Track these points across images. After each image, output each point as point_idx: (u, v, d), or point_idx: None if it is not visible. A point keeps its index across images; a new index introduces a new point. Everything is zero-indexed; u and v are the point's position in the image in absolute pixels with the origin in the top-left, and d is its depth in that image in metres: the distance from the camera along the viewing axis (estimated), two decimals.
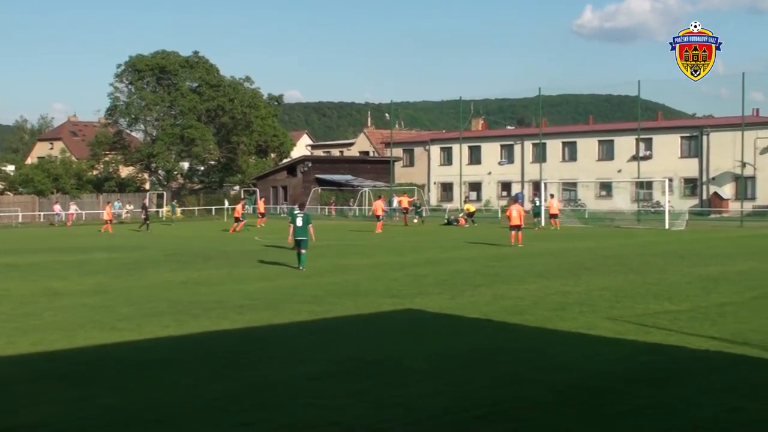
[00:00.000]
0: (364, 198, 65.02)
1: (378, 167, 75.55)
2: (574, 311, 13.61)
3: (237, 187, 77.34)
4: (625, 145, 65.34)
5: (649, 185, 60.95)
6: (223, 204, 67.02)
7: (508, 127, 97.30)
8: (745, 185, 56.30)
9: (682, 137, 64.89)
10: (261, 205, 51.56)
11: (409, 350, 10.68)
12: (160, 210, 66.52)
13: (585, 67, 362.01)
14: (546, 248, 28.72)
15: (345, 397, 8.28)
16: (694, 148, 63.91)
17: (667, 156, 63.80)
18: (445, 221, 49.79)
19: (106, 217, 46.96)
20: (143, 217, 47.68)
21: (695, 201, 61.93)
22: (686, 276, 18.90)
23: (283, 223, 36.77)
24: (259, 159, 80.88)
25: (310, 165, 73.68)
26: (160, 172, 77.89)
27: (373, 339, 11.66)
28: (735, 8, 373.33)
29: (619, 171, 64.65)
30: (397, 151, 78.41)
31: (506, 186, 72.67)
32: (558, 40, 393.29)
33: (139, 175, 79.19)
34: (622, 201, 59.64)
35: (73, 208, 63.62)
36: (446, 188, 76.23)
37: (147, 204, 52.25)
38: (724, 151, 59.40)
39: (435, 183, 77.71)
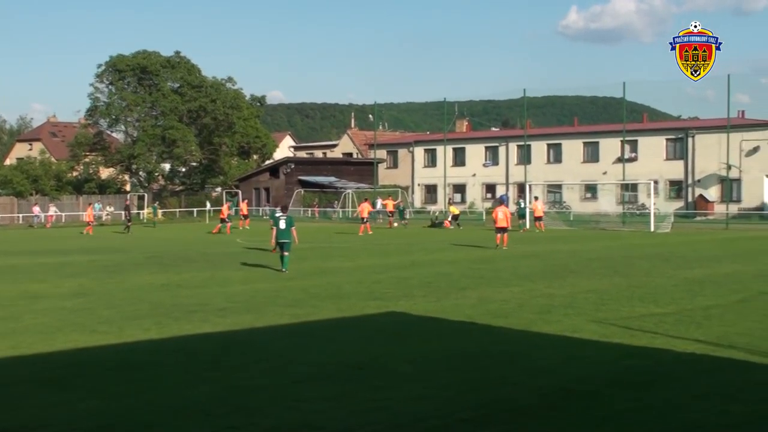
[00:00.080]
0: (348, 200, 64.95)
1: (361, 169, 75.50)
2: (559, 314, 13.57)
3: (219, 189, 77.01)
4: (610, 147, 65.40)
5: (634, 187, 61.19)
6: (205, 206, 66.72)
7: (493, 129, 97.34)
8: (730, 188, 56.56)
9: (667, 139, 65.04)
10: (244, 207, 51.41)
11: (392, 353, 10.61)
12: (141, 212, 66.11)
13: (570, 69, 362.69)
14: (531, 251, 28.74)
15: (328, 400, 8.21)
16: (679, 150, 64.08)
17: (653, 158, 63.92)
18: (430, 223, 49.77)
19: (88, 218, 46.54)
20: (127, 219, 47.41)
21: (681, 203, 62.15)
22: (672, 279, 18.91)
23: (265, 225, 36.61)
24: (242, 160, 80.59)
25: (292, 166, 73.53)
26: (140, 173, 77.31)
27: (356, 342, 11.58)
28: (720, 9, 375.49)
29: (605, 173, 64.76)
30: (381, 153, 78.39)
31: (491, 188, 72.74)
32: (543, 41, 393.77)
33: (120, 177, 78.57)
34: (608, 203, 59.88)
35: (53, 210, 63.13)
36: (430, 190, 76.22)
37: (130, 206, 51.90)
38: (710, 154, 59.41)
39: (419, 185, 77.72)
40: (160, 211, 63.57)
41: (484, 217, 54.62)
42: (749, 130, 59.86)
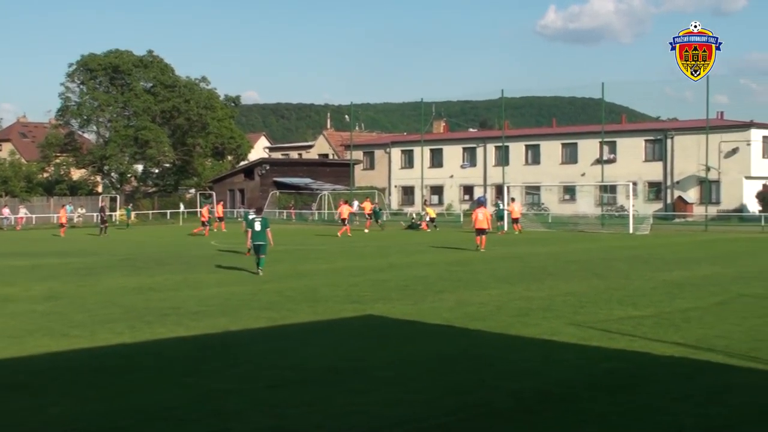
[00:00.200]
0: (324, 202, 64.76)
1: (338, 170, 75.28)
2: (537, 317, 13.53)
3: (193, 191, 76.50)
4: (588, 148, 65.33)
5: (613, 189, 61.46)
6: (179, 208, 66.20)
7: (471, 130, 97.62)
8: (709, 189, 56.85)
9: (646, 140, 65.15)
10: (219, 209, 51.06)
11: (369, 357, 10.53)
12: (113, 214, 65.50)
13: (549, 69, 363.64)
14: (509, 253, 28.75)
15: (305, 405, 8.12)
16: (658, 151, 64.21)
17: (631, 159, 63.91)
18: (407, 225, 49.67)
19: (61, 220, 45.96)
20: (102, 221, 46.95)
21: (659, 205, 62.43)
22: (650, 281, 18.94)
23: (240, 227, 36.36)
24: (216, 161, 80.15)
25: (267, 168, 73.16)
26: (113, 174, 76.56)
27: (333, 346, 11.46)
28: (699, 10, 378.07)
29: (583, 174, 64.80)
30: (357, 154, 78.26)
31: (468, 189, 72.75)
32: (521, 41, 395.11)
33: (92, 178, 77.69)
34: (586, 205, 60.11)
35: (23, 212, 62.37)
36: (407, 192, 76.20)
37: (105, 207, 51.37)
38: (689, 155, 59.51)
39: (396, 186, 77.67)
40: (133, 213, 63.02)
41: (461, 219, 54.64)
42: (728, 132, 60.10)
